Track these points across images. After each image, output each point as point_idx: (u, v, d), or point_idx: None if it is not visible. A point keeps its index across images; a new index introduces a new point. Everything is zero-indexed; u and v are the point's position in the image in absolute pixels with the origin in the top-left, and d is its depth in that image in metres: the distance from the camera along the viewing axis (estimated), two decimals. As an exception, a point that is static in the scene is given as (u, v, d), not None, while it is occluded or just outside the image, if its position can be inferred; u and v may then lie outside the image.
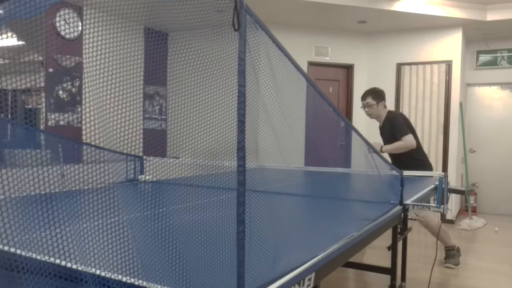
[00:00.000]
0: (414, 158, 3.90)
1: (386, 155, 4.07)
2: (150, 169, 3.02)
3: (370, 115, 4.06)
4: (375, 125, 4.18)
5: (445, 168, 5.78)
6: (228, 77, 1.34)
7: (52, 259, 1.13)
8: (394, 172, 2.40)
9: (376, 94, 4.01)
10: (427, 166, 3.97)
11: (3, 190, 0.98)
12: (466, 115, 6.44)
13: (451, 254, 3.90)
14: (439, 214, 3.50)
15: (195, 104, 1.68)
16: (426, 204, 2.57)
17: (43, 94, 4.59)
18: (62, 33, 4.71)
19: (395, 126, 3.91)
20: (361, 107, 4.13)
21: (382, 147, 3.89)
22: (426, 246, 4.55)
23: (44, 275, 1.07)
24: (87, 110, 1.30)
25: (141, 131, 5.82)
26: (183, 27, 1.31)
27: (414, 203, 2.42)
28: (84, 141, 1.93)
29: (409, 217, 2.47)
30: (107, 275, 1.10)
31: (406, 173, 2.45)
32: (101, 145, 1.92)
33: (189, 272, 1.12)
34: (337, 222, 1.96)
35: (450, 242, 3.96)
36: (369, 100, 4.00)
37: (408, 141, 3.86)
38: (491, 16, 5.46)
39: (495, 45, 6.40)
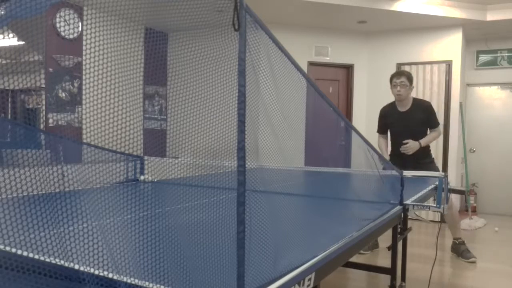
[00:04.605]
0: (428, 147, 4.00)
1: (371, 148, 4.09)
2: (151, 169, 3.02)
3: (400, 95, 3.87)
4: (375, 125, 4.16)
5: (445, 168, 5.77)
6: (228, 77, 1.34)
7: (51, 259, 1.14)
8: (394, 172, 2.40)
9: (410, 76, 3.93)
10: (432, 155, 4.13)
11: (4, 190, 0.99)
12: (466, 115, 6.44)
13: (466, 249, 4.03)
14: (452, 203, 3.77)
15: (195, 104, 1.68)
16: (426, 204, 2.57)
17: (43, 94, 4.59)
18: (62, 33, 4.71)
19: (433, 115, 3.96)
20: (393, 86, 3.92)
21: (419, 142, 3.80)
22: (426, 246, 4.55)
23: (42, 274, 1.07)
24: (87, 110, 1.30)
25: (141, 131, 5.81)
26: (183, 27, 1.31)
27: (414, 203, 2.42)
28: (84, 141, 1.93)
29: (409, 217, 2.48)
30: (107, 275, 1.10)
31: (406, 173, 2.45)
32: (101, 145, 1.92)
33: (189, 272, 1.12)
34: (337, 222, 1.96)
35: (460, 234, 4.13)
36: (404, 79, 3.86)
37: (441, 131, 4.03)
38: (491, 16, 5.46)
39: (495, 45, 6.40)
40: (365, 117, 6.24)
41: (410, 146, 3.79)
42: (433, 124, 3.94)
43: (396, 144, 3.93)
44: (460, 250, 4.06)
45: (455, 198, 4.11)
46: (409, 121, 3.88)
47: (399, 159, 3.79)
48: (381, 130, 4.16)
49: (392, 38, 6.14)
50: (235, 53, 1.08)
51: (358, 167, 2.41)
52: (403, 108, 3.95)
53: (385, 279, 2.59)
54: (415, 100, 4.00)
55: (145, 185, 2.82)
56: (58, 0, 0.96)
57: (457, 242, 4.11)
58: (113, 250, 1.18)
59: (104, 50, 1.22)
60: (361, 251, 4.05)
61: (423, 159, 3.89)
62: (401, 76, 3.89)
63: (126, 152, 2.79)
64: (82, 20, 4.66)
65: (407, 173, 2.54)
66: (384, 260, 3.82)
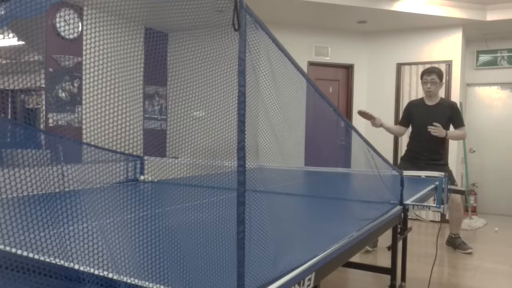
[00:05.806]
0: (445, 148, 4.35)
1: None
2: (151, 169, 3.02)
3: (430, 92, 4.07)
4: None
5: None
6: (228, 77, 1.34)
7: (51, 259, 1.14)
8: (394, 172, 2.39)
9: (440, 74, 4.09)
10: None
11: (4, 190, 0.99)
12: (466, 115, 6.44)
13: (462, 242, 4.23)
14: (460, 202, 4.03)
15: (195, 104, 1.68)
16: (426, 204, 2.57)
17: (43, 94, 4.59)
18: (62, 33, 4.71)
19: (459, 115, 4.13)
20: (423, 82, 4.10)
21: (447, 132, 3.93)
22: (426, 246, 4.55)
23: (42, 274, 1.07)
24: (87, 110, 1.30)
25: (141, 131, 5.81)
26: (183, 27, 1.31)
27: (414, 203, 2.42)
28: (84, 141, 1.93)
29: (409, 217, 2.48)
30: (107, 275, 1.10)
31: (405, 173, 2.45)
32: (101, 145, 1.92)
33: (189, 272, 1.12)
34: (337, 222, 1.96)
35: (459, 231, 4.30)
36: (435, 77, 4.03)
37: (466, 133, 4.20)
38: (491, 16, 5.46)
39: (495, 45, 6.40)
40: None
41: (439, 128, 3.88)
42: (459, 122, 4.11)
43: (415, 138, 4.09)
44: (456, 243, 4.23)
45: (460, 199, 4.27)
46: (434, 115, 4.03)
47: (414, 158, 4.02)
48: (402, 122, 4.28)
49: (392, 38, 6.14)
50: (235, 53, 1.08)
51: (358, 167, 2.41)
52: (430, 102, 4.13)
53: (385, 279, 2.59)
54: (443, 99, 4.20)
55: (145, 185, 2.82)
56: (58, 0, 0.96)
57: (453, 236, 4.28)
58: (113, 250, 1.18)
59: (104, 50, 1.22)
60: (368, 248, 4.08)
61: (437, 160, 4.06)
62: (432, 73, 4.06)
63: (126, 152, 2.79)
64: (82, 20, 4.66)
65: (407, 173, 2.54)
66: (384, 260, 3.83)
